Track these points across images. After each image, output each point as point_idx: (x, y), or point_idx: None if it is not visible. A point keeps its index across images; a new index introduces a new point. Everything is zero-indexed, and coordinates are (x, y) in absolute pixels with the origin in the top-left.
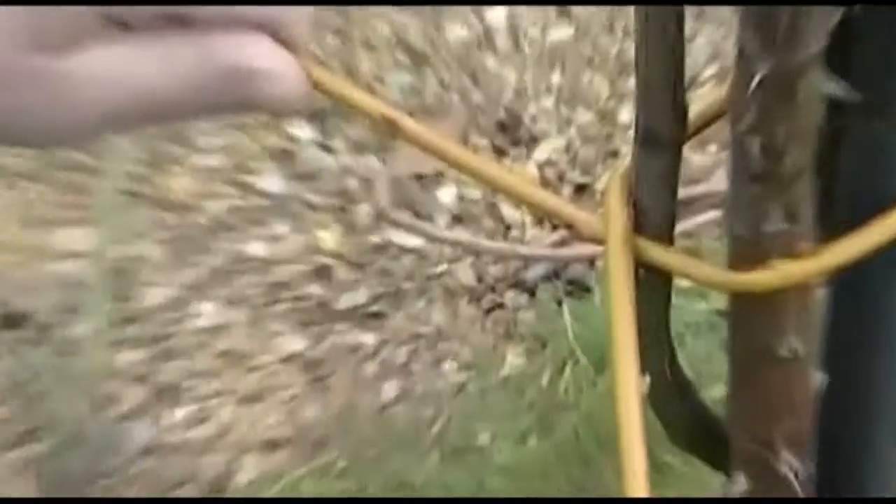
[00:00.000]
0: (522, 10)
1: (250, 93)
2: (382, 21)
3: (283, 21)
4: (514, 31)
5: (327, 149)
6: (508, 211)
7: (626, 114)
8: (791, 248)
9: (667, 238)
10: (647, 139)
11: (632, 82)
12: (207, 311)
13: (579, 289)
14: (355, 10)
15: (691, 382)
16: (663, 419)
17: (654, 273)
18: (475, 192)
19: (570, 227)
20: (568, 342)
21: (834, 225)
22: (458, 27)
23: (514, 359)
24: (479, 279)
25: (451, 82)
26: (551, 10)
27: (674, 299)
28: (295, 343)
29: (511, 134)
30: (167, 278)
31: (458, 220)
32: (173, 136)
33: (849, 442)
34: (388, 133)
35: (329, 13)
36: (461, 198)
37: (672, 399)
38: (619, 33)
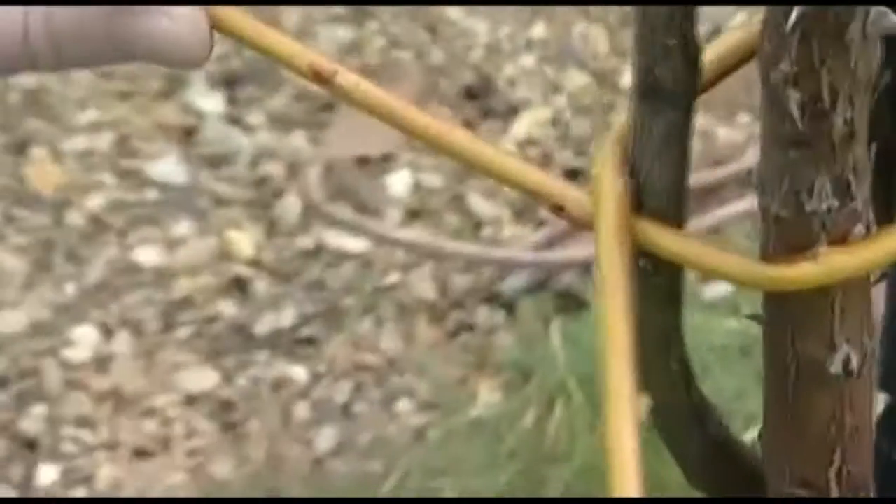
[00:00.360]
0: None
1: (137, 32)
2: None
3: None
4: None
5: (241, 125)
6: (478, 203)
7: (629, 76)
8: (843, 233)
9: (675, 219)
10: (647, 91)
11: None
12: (84, 339)
13: (572, 304)
14: None
15: (713, 407)
16: (679, 456)
17: (660, 265)
18: (434, 179)
19: (559, 209)
20: (558, 373)
21: (893, 191)
22: None
23: (488, 395)
24: (443, 292)
25: (403, 37)
26: None
27: (695, 316)
28: (202, 379)
29: (482, 103)
30: (29, 296)
31: (413, 215)
32: (37, 109)
33: None
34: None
35: None
36: (417, 187)
37: (690, 430)
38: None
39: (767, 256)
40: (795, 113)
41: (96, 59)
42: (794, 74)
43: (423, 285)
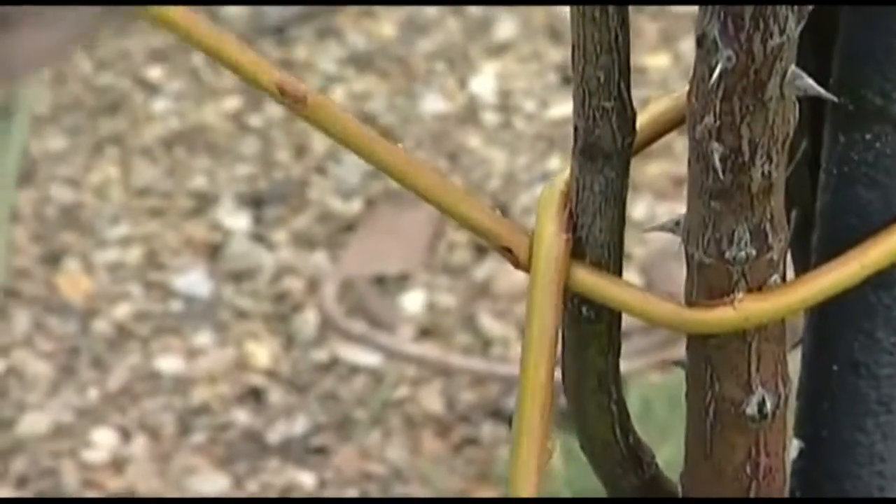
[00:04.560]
0: (515, 78)
1: None
2: (339, 86)
3: None
4: (504, 103)
5: (265, 243)
6: (489, 323)
7: (643, 208)
8: (760, 281)
9: (611, 267)
10: (587, 151)
11: (648, 167)
12: (102, 442)
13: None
14: (305, 72)
15: (647, 448)
16: (614, 493)
17: (600, 312)
18: (448, 299)
19: (507, 250)
20: (555, 486)
21: (811, 252)
22: (434, 97)
23: None
24: (450, 406)
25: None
26: (552, 79)
27: None
28: (213, 483)
29: None
30: (53, 400)
31: (425, 333)
32: (70, 221)
33: None
34: (290, 109)
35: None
36: (430, 306)
37: (625, 470)
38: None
39: (690, 302)
40: (718, 165)
41: None
42: (717, 129)
43: (432, 399)
